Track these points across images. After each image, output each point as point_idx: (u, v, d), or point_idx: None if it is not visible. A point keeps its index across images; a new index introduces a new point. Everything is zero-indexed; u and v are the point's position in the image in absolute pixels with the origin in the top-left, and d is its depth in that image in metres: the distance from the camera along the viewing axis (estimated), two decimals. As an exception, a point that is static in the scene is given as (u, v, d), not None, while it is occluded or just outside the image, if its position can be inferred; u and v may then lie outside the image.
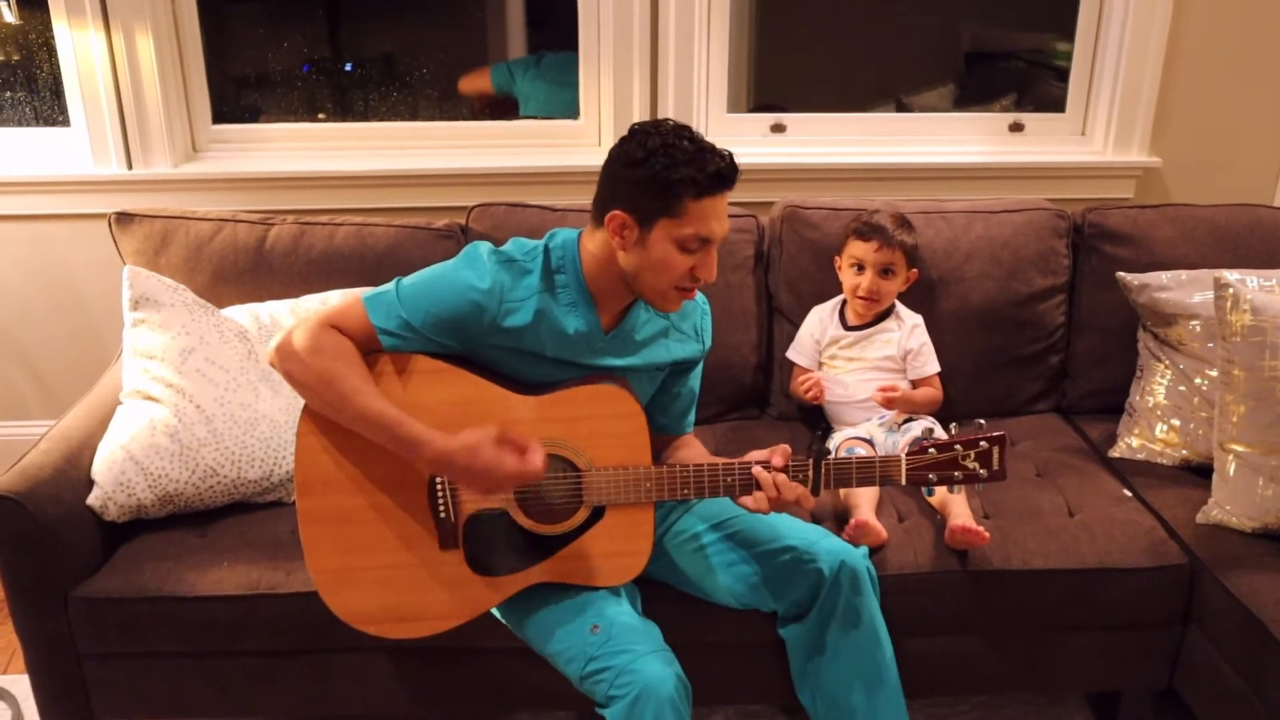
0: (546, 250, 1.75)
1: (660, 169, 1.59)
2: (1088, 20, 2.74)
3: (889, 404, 2.17)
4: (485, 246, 1.75)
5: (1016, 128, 2.83)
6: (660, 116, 2.63)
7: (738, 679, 2.02)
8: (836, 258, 2.32)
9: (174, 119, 2.61)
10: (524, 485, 1.68)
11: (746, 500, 1.71)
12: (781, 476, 1.68)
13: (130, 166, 2.60)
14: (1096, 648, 2.02)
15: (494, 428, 1.61)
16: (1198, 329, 2.20)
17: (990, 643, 2.02)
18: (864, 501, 2.00)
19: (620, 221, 1.64)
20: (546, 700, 2.00)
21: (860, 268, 2.24)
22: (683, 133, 1.63)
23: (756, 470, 1.69)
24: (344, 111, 3.04)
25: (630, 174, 1.62)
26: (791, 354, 2.35)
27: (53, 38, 2.51)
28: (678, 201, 1.60)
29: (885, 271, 2.23)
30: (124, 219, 2.31)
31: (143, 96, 2.55)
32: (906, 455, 1.71)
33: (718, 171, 1.60)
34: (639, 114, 2.65)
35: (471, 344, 1.73)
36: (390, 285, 1.72)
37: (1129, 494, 2.13)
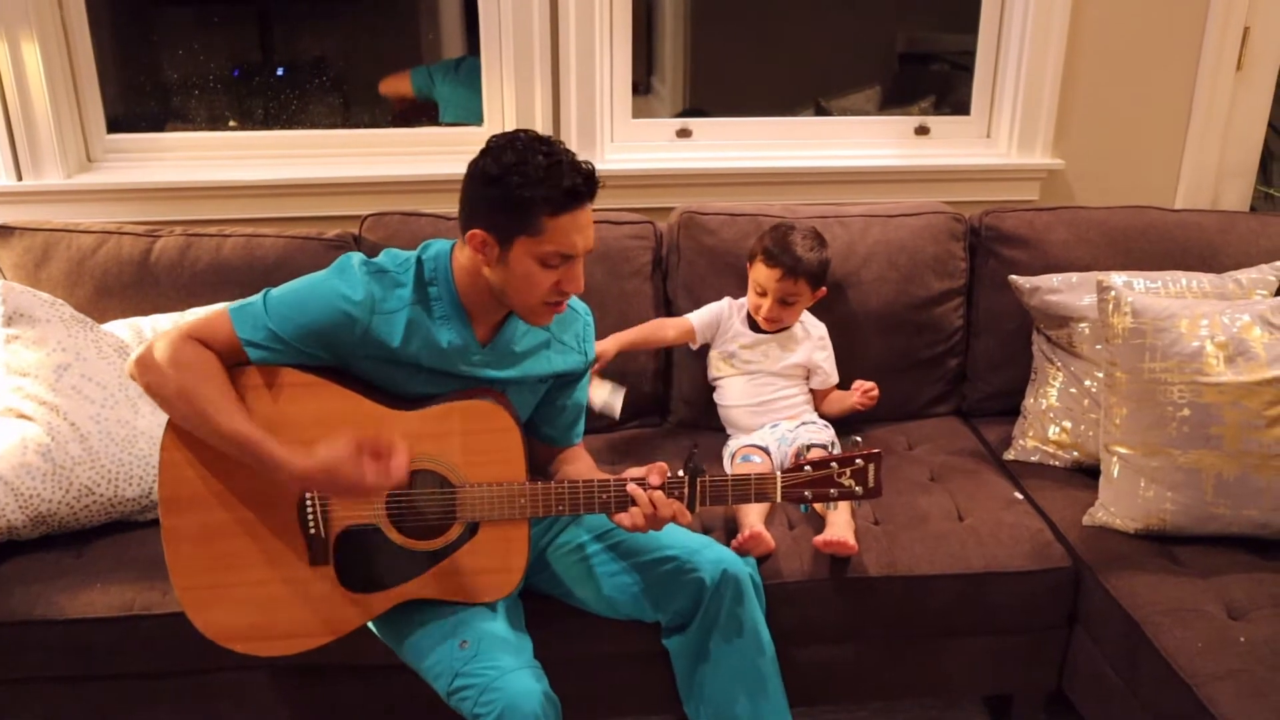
0: (419, 262, 1.73)
1: (514, 188, 1.57)
2: (989, 23, 2.75)
3: (869, 402, 2.20)
4: (357, 257, 1.72)
5: (922, 131, 2.84)
6: (562, 122, 2.64)
7: (626, 691, 2.00)
8: (748, 263, 2.28)
9: (65, 129, 2.55)
10: (391, 488, 1.62)
11: (622, 518, 1.69)
12: (658, 494, 1.66)
13: (20, 177, 2.53)
14: (986, 651, 2.03)
15: (351, 438, 1.56)
16: (1087, 331, 2.21)
17: (880, 649, 2.03)
18: (753, 511, 2.00)
19: (481, 239, 1.62)
20: (431, 717, 1.97)
21: (761, 292, 2.21)
22: (538, 146, 1.59)
23: (632, 488, 1.67)
24: (273, 117, 3.00)
25: (486, 192, 1.60)
26: (693, 314, 2.31)
27: (-66, 46, 2.45)
28: (534, 220, 1.58)
29: (785, 301, 2.20)
30: (3, 232, 2.26)
31: (31, 106, 2.48)
32: (782, 473, 1.71)
33: (573, 188, 1.58)
34: (541, 120, 2.63)
35: (343, 356, 1.70)
36: (258, 296, 1.69)
37: (1020, 496, 2.14)
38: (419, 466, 1.69)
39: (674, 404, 2.45)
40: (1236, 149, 2.77)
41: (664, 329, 2.31)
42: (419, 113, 3.07)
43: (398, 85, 3.10)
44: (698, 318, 2.31)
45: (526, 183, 1.56)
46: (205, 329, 1.66)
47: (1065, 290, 2.26)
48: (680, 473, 1.69)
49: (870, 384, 2.21)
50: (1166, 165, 2.80)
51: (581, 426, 1.97)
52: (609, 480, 1.69)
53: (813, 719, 2.24)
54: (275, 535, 1.69)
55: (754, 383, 2.25)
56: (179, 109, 2.97)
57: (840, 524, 1.94)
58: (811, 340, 2.28)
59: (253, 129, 2.85)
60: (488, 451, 1.69)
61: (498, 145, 1.61)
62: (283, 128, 2.83)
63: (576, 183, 1.58)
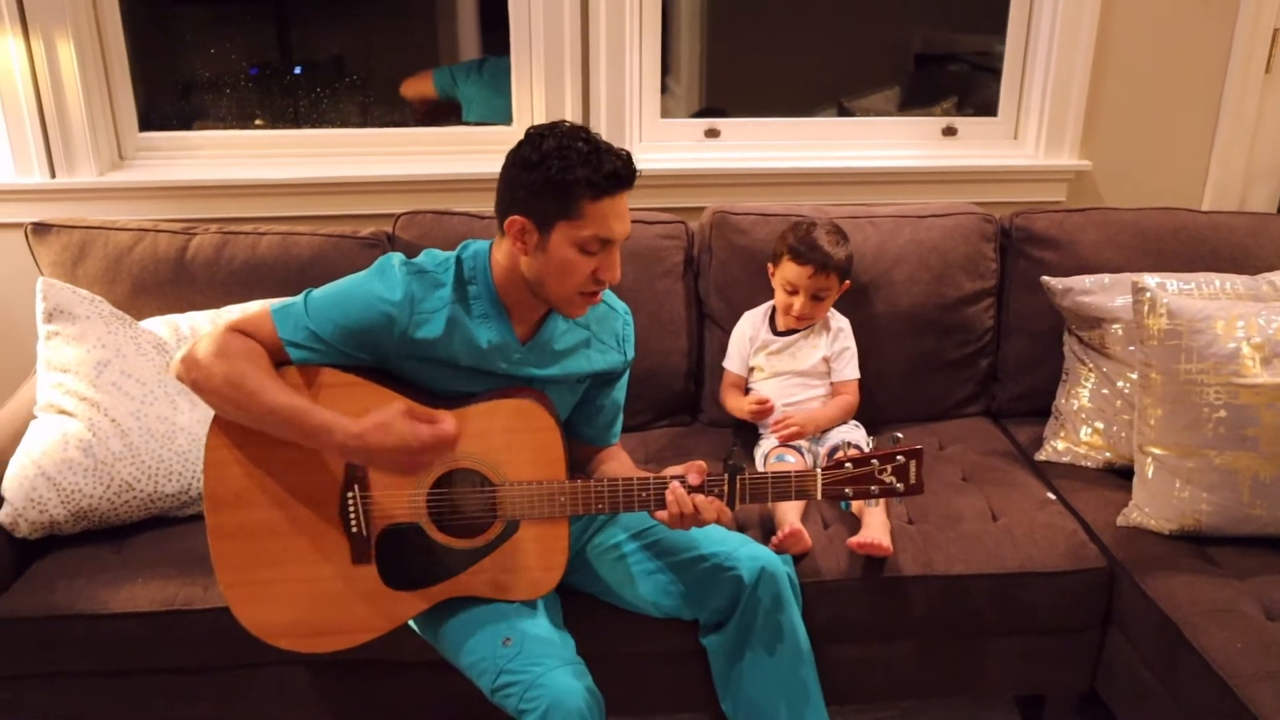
0: (459, 261, 1.74)
1: (555, 171, 1.58)
2: (1018, 24, 2.76)
3: (787, 437, 2.15)
4: (397, 258, 1.73)
5: (950, 131, 2.85)
6: (592, 122, 2.65)
7: (663, 688, 2.01)
8: (770, 265, 2.30)
9: (98, 127, 2.56)
10: (442, 454, 1.62)
11: (662, 515, 1.70)
12: (700, 497, 1.66)
13: (54, 175, 2.55)
14: (1020, 651, 2.04)
15: (400, 402, 1.59)
16: (1120, 332, 2.21)
17: (914, 648, 2.03)
18: (791, 510, 2.00)
19: (520, 226, 1.63)
20: (468, 714, 1.97)
21: (792, 290, 2.21)
22: (578, 134, 1.62)
23: (670, 490, 1.67)
24: (292, 116, 3.01)
25: (526, 178, 1.61)
26: (726, 362, 2.34)
27: (-30, 44, 2.47)
28: (575, 203, 1.59)
29: (817, 297, 2.21)
30: (41, 229, 2.27)
31: (65, 104, 2.50)
32: (822, 470, 1.71)
33: (614, 171, 1.59)
34: (570, 119, 2.62)
35: (382, 356, 1.71)
36: (299, 297, 1.70)
37: (1052, 497, 2.14)
38: (460, 465, 1.70)
39: (704, 403, 2.45)
40: (1265, 151, 2.77)
41: (737, 394, 2.30)
42: (442, 113, 3.09)
43: (420, 86, 3.12)
44: (731, 363, 2.32)
45: (568, 166, 1.57)
46: (248, 327, 1.67)
47: (1098, 291, 2.26)
48: (721, 471, 1.69)
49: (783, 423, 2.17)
50: (1194, 167, 2.80)
51: (619, 426, 1.98)
52: (649, 478, 1.70)
53: (844, 718, 2.25)
54: (319, 533, 1.70)
55: (786, 384, 2.26)
56: (200, 107, 2.99)
57: (876, 525, 1.94)
58: (830, 332, 2.29)
59: (274, 128, 2.86)
60: (528, 450, 1.70)
61: (537, 133, 1.62)
62: (301, 127, 2.85)
63: (617, 166, 1.59)
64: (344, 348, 1.67)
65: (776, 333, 2.29)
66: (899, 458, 1.71)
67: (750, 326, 2.32)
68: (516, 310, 1.74)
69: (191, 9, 3.07)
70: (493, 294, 1.72)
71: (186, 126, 2.84)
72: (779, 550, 1.91)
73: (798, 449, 2.18)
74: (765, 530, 2.02)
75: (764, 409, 2.19)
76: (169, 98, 2.95)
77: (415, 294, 1.68)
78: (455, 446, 1.61)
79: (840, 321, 2.30)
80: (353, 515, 1.70)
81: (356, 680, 1.94)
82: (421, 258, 1.74)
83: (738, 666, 1.85)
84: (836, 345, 2.27)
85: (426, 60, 3.09)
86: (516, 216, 1.63)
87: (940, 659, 2.04)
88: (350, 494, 1.69)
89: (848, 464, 1.70)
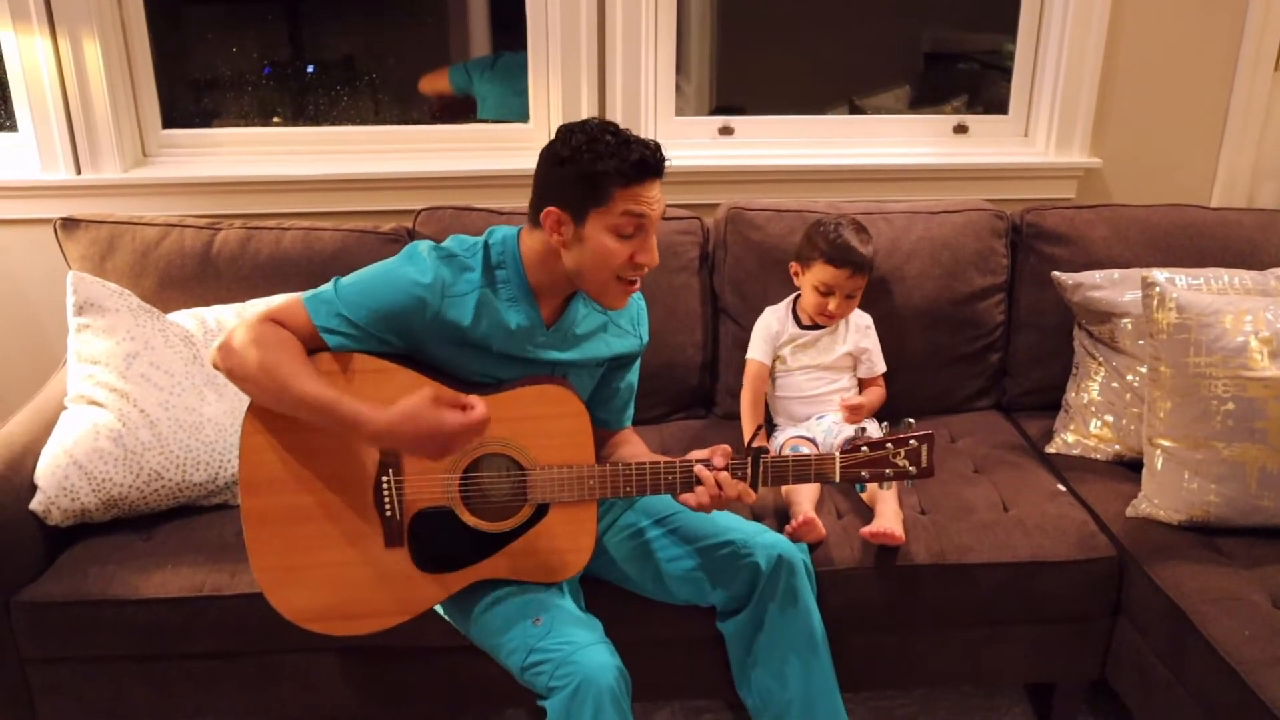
0: (486, 246, 1.78)
1: (585, 164, 1.64)
2: (1029, 23, 2.79)
3: (854, 418, 2.20)
4: (425, 244, 1.78)
5: (961, 129, 2.88)
6: (607, 119, 2.69)
7: (680, 674, 2.05)
8: (795, 264, 2.31)
9: (123, 124, 2.60)
10: (472, 439, 1.66)
11: (688, 498, 1.74)
12: (723, 474, 1.71)
13: (79, 171, 2.59)
14: (1030, 640, 2.07)
15: (429, 389, 1.62)
16: (1129, 327, 2.25)
17: (927, 636, 2.07)
18: (805, 499, 2.04)
19: (555, 218, 1.68)
20: (495, 697, 2.02)
21: (827, 291, 2.24)
22: (606, 128, 1.67)
23: (698, 468, 1.72)
24: (304, 114, 3.05)
25: (558, 173, 1.67)
26: (751, 352, 2.34)
27: (-2, 42, 2.51)
28: (605, 192, 1.65)
29: (851, 295, 2.25)
30: (69, 225, 2.31)
31: (90, 102, 2.54)
32: (841, 454, 1.76)
33: (641, 159, 1.64)
34: (586, 116, 2.66)
35: (414, 341, 1.75)
36: (329, 285, 1.74)
37: (1062, 489, 2.18)
38: (491, 450, 1.74)
39: (719, 396, 2.49)
40: (1273, 148, 2.80)
41: (757, 386, 2.32)
42: (458, 108, 3.13)
43: (436, 82, 3.16)
44: (756, 351, 2.33)
45: (597, 158, 1.63)
46: (282, 315, 1.71)
47: (1108, 286, 2.30)
48: (744, 454, 1.73)
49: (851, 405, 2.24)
50: (1203, 165, 2.83)
51: (632, 410, 2.02)
52: (675, 461, 1.74)
53: (859, 705, 2.29)
54: (352, 517, 1.74)
55: (809, 377, 2.29)
56: (217, 105, 3.03)
57: (888, 514, 1.98)
58: (859, 330, 2.33)
59: (292, 125, 2.90)
60: (558, 435, 1.74)
61: (567, 130, 1.68)
62: (316, 124, 2.89)
63: (645, 155, 1.64)
64: (376, 332, 1.71)
65: (803, 326, 2.33)
66: (911, 441, 1.75)
67: (775, 320, 2.35)
68: (543, 294, 1.79)
69: (203, 8, 3.12)
70: (521, 277, 1.77)
71: (205, 124, 2.88)
72: (793, 539, 1.95)
73: (812, 440, 2.21)
74: (781, 520, 2.06)
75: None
76: (186, 95, 2.99)
77: (445, 277, 1.72)
78: (485, 430, 1.64)
79: (864, 318, 2.35)
80: (386, 499, 1.74)
81: (381, 665, 1.98)
82: (449, 242, 1.79)
83: (754, 652, 1.89)
84: (867, 341, 2.31)
85: (437, 59, 3.14)
86: (552, 209, 1.68)
87: (952, 648, 2.08)
88: (384, 478, 1.73)
89: (864, 447, 1.75)
